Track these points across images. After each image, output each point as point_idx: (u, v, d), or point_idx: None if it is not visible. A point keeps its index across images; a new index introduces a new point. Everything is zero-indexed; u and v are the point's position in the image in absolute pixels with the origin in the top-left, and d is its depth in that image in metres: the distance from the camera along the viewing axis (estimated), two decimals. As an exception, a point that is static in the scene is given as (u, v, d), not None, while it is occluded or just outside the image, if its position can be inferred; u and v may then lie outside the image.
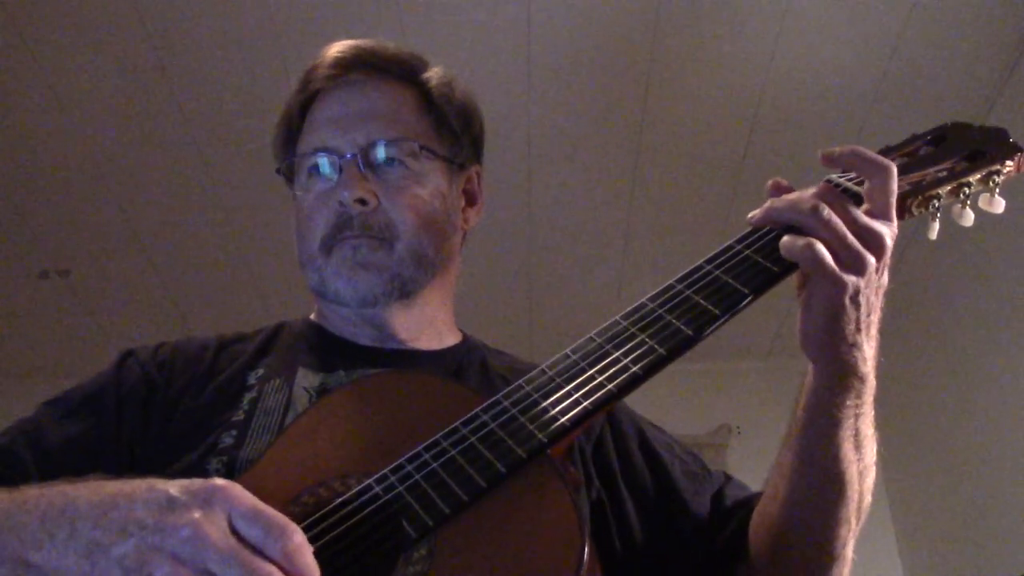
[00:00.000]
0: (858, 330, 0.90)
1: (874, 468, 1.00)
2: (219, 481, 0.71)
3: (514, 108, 2.83)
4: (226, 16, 2.56)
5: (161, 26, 2.58)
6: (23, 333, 3.70)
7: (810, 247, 0.85)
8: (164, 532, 0.67)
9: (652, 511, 1.11)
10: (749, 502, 1.10)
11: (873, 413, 0.97)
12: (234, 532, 0.68)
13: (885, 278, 0.92)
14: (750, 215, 0.93)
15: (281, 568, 0.67)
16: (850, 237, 0.87)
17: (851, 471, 0.96)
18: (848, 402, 0.93)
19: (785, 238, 0.88)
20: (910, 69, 2.76)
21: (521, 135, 2.92)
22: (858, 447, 0.96)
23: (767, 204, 0.93)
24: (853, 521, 0.99)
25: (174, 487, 0.70)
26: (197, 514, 0.68)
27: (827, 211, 0.87)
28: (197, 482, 0.71)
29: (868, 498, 1.01)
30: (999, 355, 2.96)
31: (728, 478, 1.17)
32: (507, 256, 3.33)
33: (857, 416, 0.95)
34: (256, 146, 2.84)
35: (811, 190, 0.92)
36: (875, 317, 0.92)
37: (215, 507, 0.68)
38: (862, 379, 0.93)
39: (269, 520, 0.69)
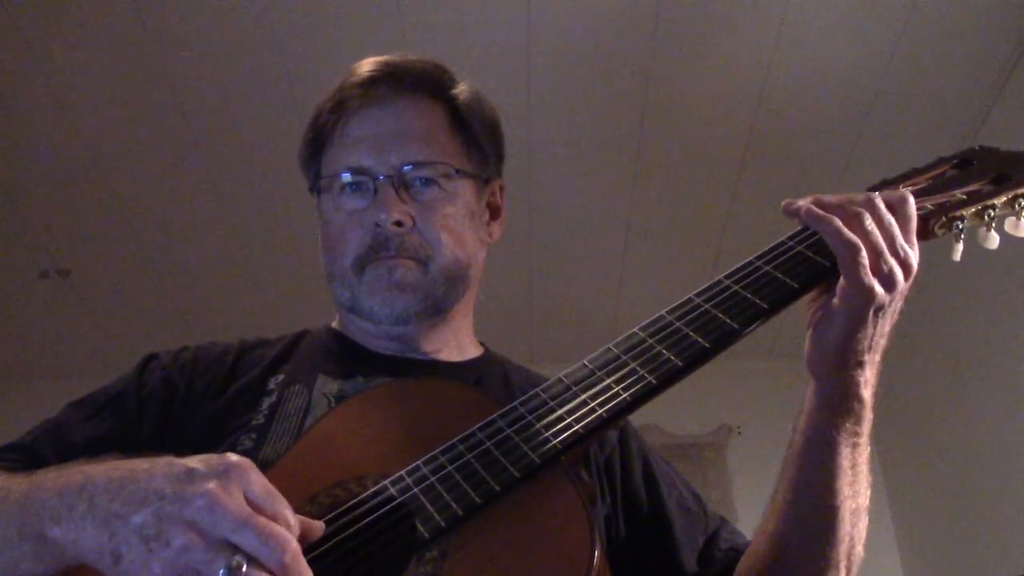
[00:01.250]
0: (869, 348, 0.91)
1: (866, 516, 1.00)
2: (234, 456, 0.73)
3: (514, 108, 2.83)
4: (227, 16, 2.56)
5: (161, 26, 2.58)
6: (23, 333, 3.70)
7: (855, 247, 0.86)
8: (182, 501, 0.68)
9: (641, 539, 1.11)
10: (742, 548, 1.10)
11: (869, 451, 0.98)
12: (248, 500, 0.70)
13: (898, 312, 0.93)
14: (788, 203, 0.93)
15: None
16: (892, 248, 0.88)
17: (844, 508, 0.96)
18: (847, 425, 0.93)
19: (835, 226, 0.88)
20: (909, 70, 2.76)
21: (521, 135, 2.92)
22: (853, 483, 0.96)
23: (812, 197, 0.93)
24: (843, 568, 0.98)
25: (191, 460, 0.72)
26: (213, 484, 0.69)
27: (870, 220, 0.89)
28: (214, 456, 0.73)
29: (860, 548, 1.00)
30: (999, 355, 2.96)
31: (724, 522, 1.17)
32: (507, 256, 3.34)
33: (854, 445, 0.95)
34: (256, 145, 2.86)
35: (858, 196, 0.93)
36: (883, 343, 0.94)
37: (232, 478, 0.70)
38: (862, 403, 0.93)
39: (281, 502, 0.71)
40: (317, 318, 1.31)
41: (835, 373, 0.91)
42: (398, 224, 1.13)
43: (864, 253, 0.87)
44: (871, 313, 0.88)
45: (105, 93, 2.76)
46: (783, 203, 0.93)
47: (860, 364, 0.91)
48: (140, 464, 0.73)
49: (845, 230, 0.88)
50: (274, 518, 0.70)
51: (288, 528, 0.70)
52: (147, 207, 3.17)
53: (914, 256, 0.91)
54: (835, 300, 0.89)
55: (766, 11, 2.61)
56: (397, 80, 1.20)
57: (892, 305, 0.90)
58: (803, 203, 0.92)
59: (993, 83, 2.81)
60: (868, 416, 0.95)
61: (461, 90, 1.23)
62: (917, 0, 2.57)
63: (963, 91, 2.84)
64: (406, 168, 1.15)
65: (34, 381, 3.71)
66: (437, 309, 1.16)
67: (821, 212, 0.90)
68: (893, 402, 3.58)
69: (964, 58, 2.75)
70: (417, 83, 1.21)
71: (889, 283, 0.88)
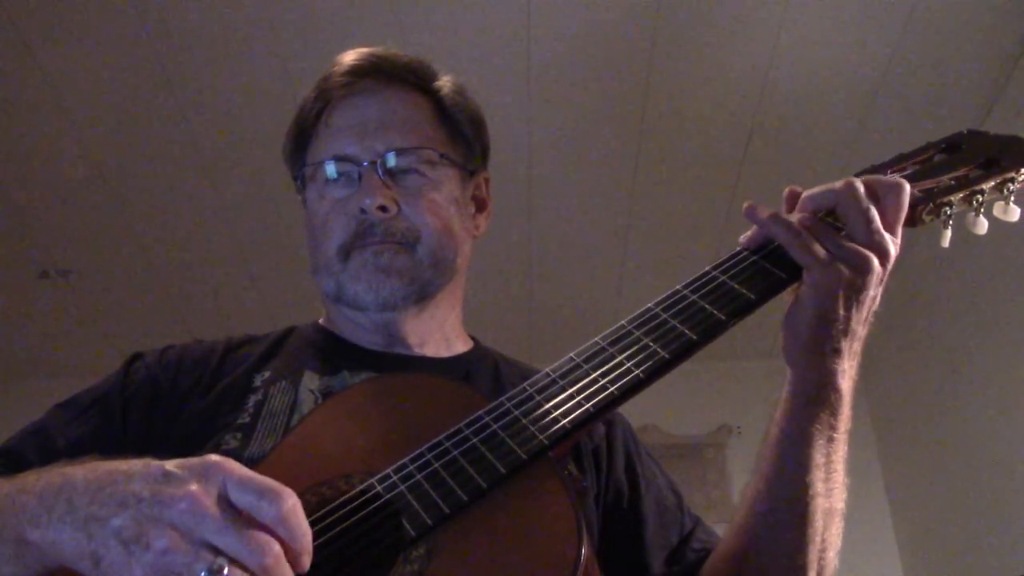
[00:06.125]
0: (844, 334, 0.90)
1: (841, 522, 0.99)
2: (214, 456, 0.72)
3: (514, 109, 2.83)
4: (226, 16, 2.56)
5: (161, 26, 2.58)
6: (23, 333, 3.69)
7: (799, 233, 0.87)
8: (162, 504, 0.67)
9: (613, 534, 1.11)
10: (714, 548, 1.09)
11: (846, 451, 0.97)
12: (229, 502, 0.69)
13: (878, 299, 0.92)
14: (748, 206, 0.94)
15: (275, 533, 0.68)
16: (865, 230, 0.89)
17: (815, 505, 0.95)
18: (823, 416, 0.92)
19: (771, 213, 0.90)
20: (910, 68, 2.76)
21: (521, 136, 2.92)
22: (827, 480, 0.95)
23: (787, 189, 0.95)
24: (813, 573, 0.97)
25: (170, 463, 0.71)
26: (194, 486, 0.68)
27: (844, 202, 0.90)
28: (193, 458, 0.72)
29: (832, 555, 0.98)
30: (999, 355, 2.96)
31: (700, 523, 1.17)
32: (507, 256, 3.34)
33: (830, 440, 0.94)
34: (256, 146, 2.86)
35: (839, 184, 0.93)
36: (862, 331, 0.93)
37: (211, 479, 0.69)
38: (839, 395, 0.92)
39: (261, 485, 0.69)
40: (317, 319, 1.31)
41: (810, 359, 0.91)
42: (383, 209, 1.12)
43: (806, 236, 0.87)
44: (840, 294, 0.87)
45: (105, 94, 2.76)
46: (744, 208, 0.94)
47: (836, 351, 0.90)
48: (119, 466, 0.73)
49: (783, 217, 0.89)
50: (255, 505, 0.68)
51: (277, 505, 0.68)
52: (147, 207, 3.17)
53: (892, 242, 0.90)
54: (803, 284, 0.89)
55: (766, 11, 2.60)
56: (381, 71, 1.20)
57: (868, 290, 0.89)
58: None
59: (995, 81, 2.81)
60: (846, 411, 0.94)
61: (444, 83, 1.23)
62: (917, -1, 2.58)
63: (965, 89, 2.84)
64: (390, 155, 1.15)
65: (34, 381, 3.71)
66: (423, 294, 1.15)
67: (756, 207, 0.92)
68: (893, 401, 3.58)
69: (966, 56, 2.74)
70: (401, 74, 1.21)
71: (855, 264, 0.87)
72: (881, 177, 0.94)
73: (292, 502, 0.69)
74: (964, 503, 3.18)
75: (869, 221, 0.89)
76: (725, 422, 3.81)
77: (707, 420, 3.81)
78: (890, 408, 3.61)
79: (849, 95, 2.86)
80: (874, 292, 0.91)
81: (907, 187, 0.92)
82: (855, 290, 0.88)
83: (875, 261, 0.88)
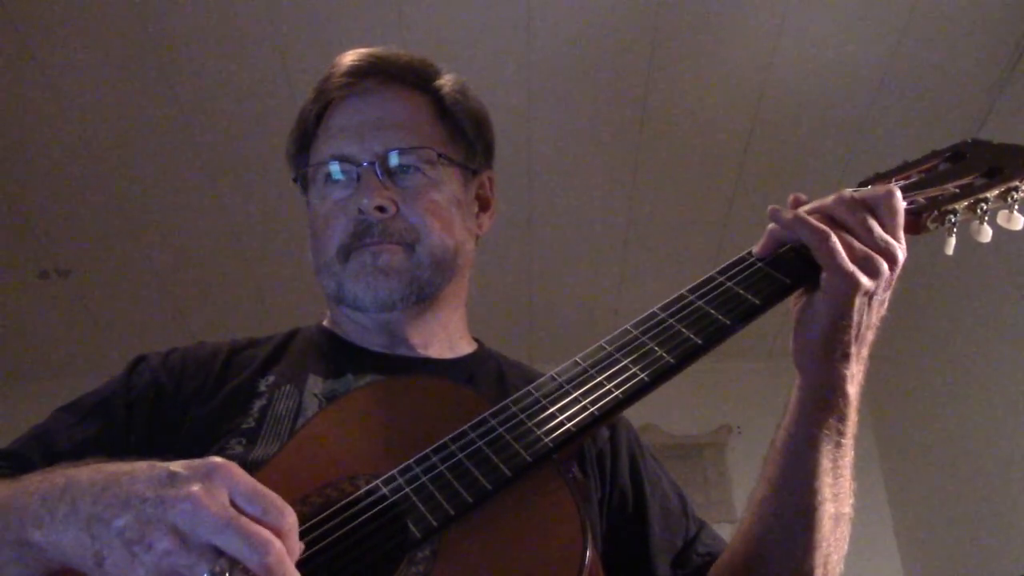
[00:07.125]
0: (855, 340, 0.91)
1: (848, 526, 0.99)
2: (217, 459, 0.72)
3: (514, 109, 2.83)
4: (226, 16, 2.56)
5: (161, 26, 2.58)
6: (23, 333, 3.69)
7: (828, 236, 0.87)
8: (164, 504, 0.67)
9: (619, 537, 1.11)
10: (719, 553, 1.09)
11: (852, 456, 0.97)
12: (232, 502, 0.69)
13: (886, 304, 0.93)
14: (773, 208, 0.94)
15: None
16: (868, 237, 0.89)
17: (823, 510, 0.95)
18: (831, 422, 0.93)
19: (799, 217, 0.89)
20: (910, 68, 2.76)
21: (521, 136, 2.92)
22: (834, 485, 0.96)
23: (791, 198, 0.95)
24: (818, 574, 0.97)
25: (174, 464, 0.71)
26: (197, 487, 0.68)
27: (840, 212, 0.91)
28: (196, 460, 0.72)
29: (837, 558, 0.99)
30: (999, 355, 2.96)
31: (705, 526, 1.17)
32: (507, 256, 3.34)
33: (838, 445, 0.94)
34: (256, 146, 2.86)
35: (830, 198, 0.93)
36: (870, 336, 0.93)
37: (215, 482, 0.69)
38: (847, 399, 0.93)
39: (267, 498, 0.70)
40: (317, 319, 1.31)
41: (820, 365, 0.91)
42: (381, 209, 1.12)
43: (834, 239, 0.87)
44: (856, 301, 0.88)
45: (105, 93, 2.76)
46: (768, 209, 0.94)
47: (846, 356, 0.91)
48: (122, 467, 0.73)
49: (810, 219, 0.89)
50: (260, 517, 0.69)
51: (280, 520, 0.69)
52: (147, 207, 3.17)
53: (899, 247, 0.91)
54: (819, 290, 0.89)
55: (766, 10, 2.60)
56: (381, 71, 1.20)
57: (878, 295, 0.90)
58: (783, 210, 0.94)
59: (994, 81, 2.81)
60: (853, 417, 0.94)
61: (446, 81, 1.23)
62: (917, -1, 2.58)
63: (964, 90, 2.84)
64: (391, 154, 1.15)
65: (34, 381, 3.71)
66: (422, 294, 1.15)
67: (781, 209, 0.92)
68: (893, 401, 3.58)
69: (965, 56, 2.75)
70: (401, 74, 1.21)
71: (869, 270, 0.88)
72: (870, 189, 0.95)
73: (293, 519, 0.70)
74: (964, 503, 3.18)
75: (870, 229, 0.90)
76: (725, 422, 3.81)
77: (707, 420, 3.81)
78: (890, 409, 3.61)
79: (849, 95, 2.86)
80: (883, 297, 0.92)
81: (897, 192, 0.93)
82: (869, 295, 0.89)
83: (885, 265, 0.89)
